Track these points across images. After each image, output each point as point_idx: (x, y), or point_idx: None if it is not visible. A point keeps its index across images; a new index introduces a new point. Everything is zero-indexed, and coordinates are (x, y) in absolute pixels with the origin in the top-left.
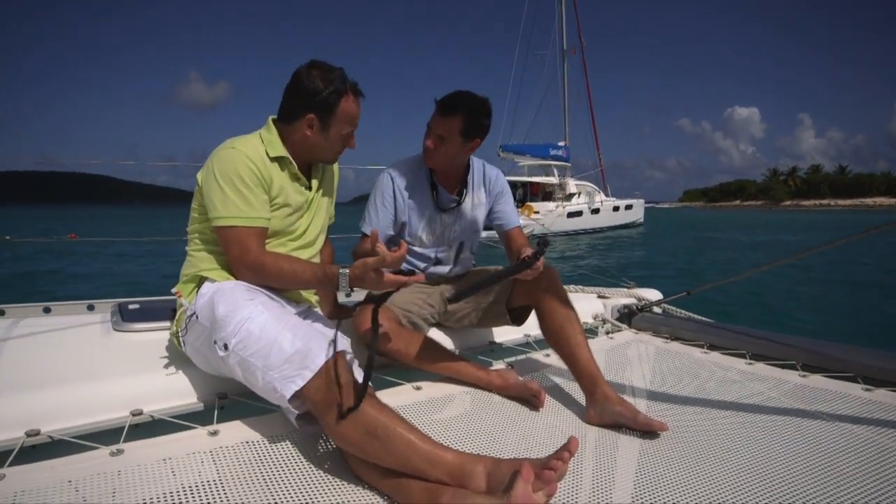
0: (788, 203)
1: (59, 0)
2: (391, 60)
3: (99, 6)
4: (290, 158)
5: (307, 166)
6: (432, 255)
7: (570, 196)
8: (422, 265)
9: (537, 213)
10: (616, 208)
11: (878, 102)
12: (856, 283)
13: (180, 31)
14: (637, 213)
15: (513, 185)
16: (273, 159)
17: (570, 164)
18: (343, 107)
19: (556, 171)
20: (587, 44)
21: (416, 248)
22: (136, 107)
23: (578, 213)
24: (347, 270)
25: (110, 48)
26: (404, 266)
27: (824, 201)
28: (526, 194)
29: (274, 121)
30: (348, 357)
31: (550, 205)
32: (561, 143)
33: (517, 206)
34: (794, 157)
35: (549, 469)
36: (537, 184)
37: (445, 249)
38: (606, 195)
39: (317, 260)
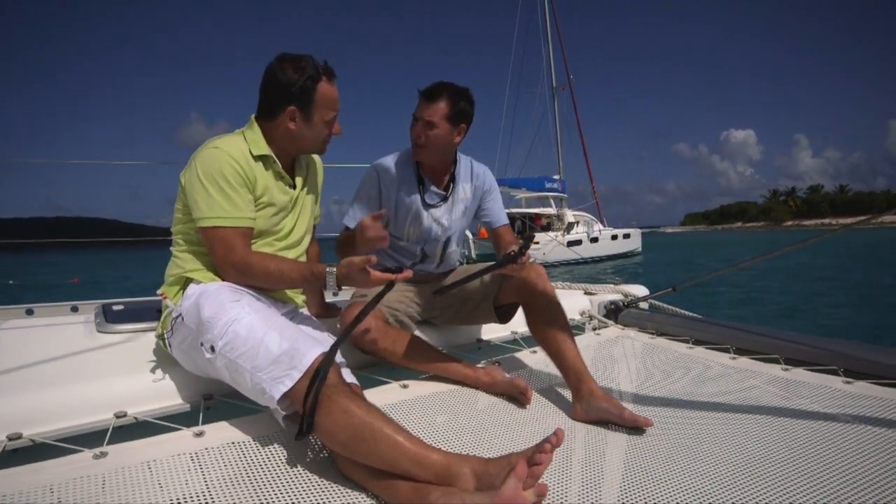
0: (790, 223)
1: (58, 38)
2: (384, 93)
3: (98, 48)
4: (274, 157)
5: (291, 165)
6: (418, 250)
7: (570, 226)
8: (408, 262)
9: (537, 243)
10: (614, 237)
11: (873, 120)
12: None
13: (181, 74)
14: (635, 242)
15: (511, 217)
16: (257, 158)
17: (566, 196)
18: (321, 91)
19: (553, 203)
20: (577, 77)
21: (402, 243)
22: (138, 149)
23: (578, 242)
24: (335, 269)
25: (112, 90)
26: (392, 263)
27: (826, 220)
28: (525, 227)
29: (256, 119)
30: (336, 357)
31: (549, 235)
32: (556, 177)
33: (516, 237)
34: (792, 177)
35: (535, 465)
36: (539, 216)
37: (433, 244)
38: (603, 226)
39: (304, 260)
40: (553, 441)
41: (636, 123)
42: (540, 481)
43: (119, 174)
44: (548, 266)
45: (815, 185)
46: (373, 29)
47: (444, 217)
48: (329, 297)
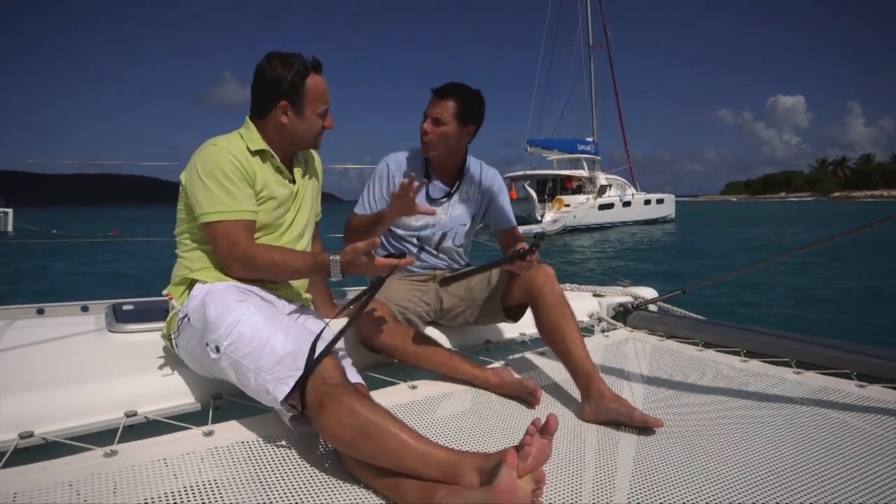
0: (838, 194)
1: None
2: (418, 61)
3: (133, 4)
4: (272, 152)
5: (289, 161)
6: (414, 240)
7: (603, 189)
8: (405, 248)
9: (568, 206)
10: (647, 202)
11: None
12: None
13: (215, 31)
14: (668, 208)
15: (543, 179)
16: (254, 153)
17: (599, 158)
18: (310, 85)
19: (585, 165)
20: (615, 37)
21: (400, 232)
22: (173, 107)
23: (610, 206)
24: (339, 257)
25: (147, 45)
26: (394, 249)
27: (876, 192)
28: (556, 188)
29: (251, 118)
30: (339, 356)
31: (581, 197)
32: (589, 139)
33: (546, 200)
34: (842, 146)
35: (524, 445)
36: (569, 178)
37: (428, 237)
38: (636, 191)
39: None
40: (538, 423)
41: (675, 87)
42: (539, 469)
43: (153, 132)
44: (577, 230)
45: (867, 155)
46: None
47: (444, 213)
48: (337, 297)
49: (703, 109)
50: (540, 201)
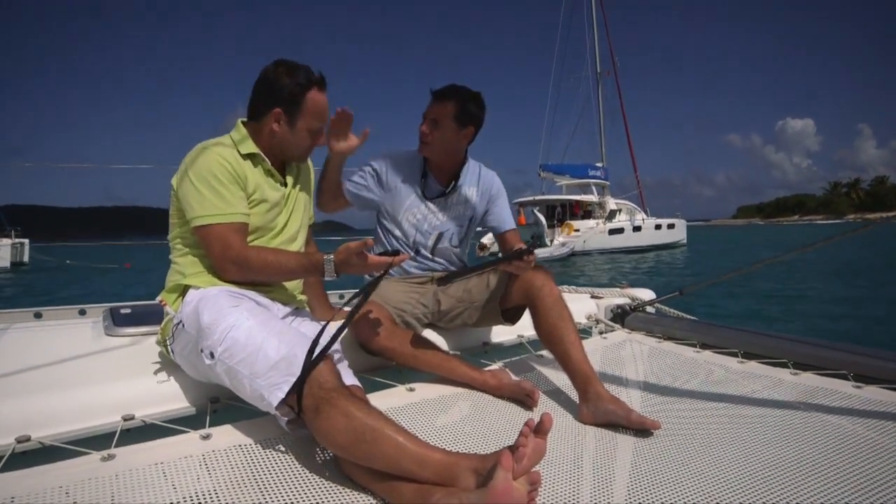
0: (852, 217)
1: (106, 27)
2: (429, 86)
3: (146, 37)
4: (262, 155)
5: (281, 164)
6: (411, 241)
7: (613, 213)
8: (402, 247)
9: (577, 230)
10: (658, 226)
11: None
12: None
13: (227, 64)
14: (679, 233)
15: (552, 204)
16: (245, 156)
17: (608, 183)
18: (310, 99)
19: (595, 190)
20: (622, 63)
21: (396, 232)
22: (193, 137)
23: (620, 231)
24: (332, 256)
25: (166, 73)
26: (388, 247)
27: (892, 213)
28: (566, 213)
29: (243, 122)
30: (336, 359)
31: (591, 222)
32: (599, 165)
33: (555, 225)
34: (854, 169)
35: (519, 447)
36: (578, 203)
37: (425, 237)
38: (646, 216)
39: None
40: (531, 423)
41: (683, 112)
42: (534, 470)
43: (171, 166)
44: (586, 254)
45: (882, 177)
46: (411, 14)
47: (440, 213)
48: (333, 300)
49: (712, 134)
50: (549, 226)
